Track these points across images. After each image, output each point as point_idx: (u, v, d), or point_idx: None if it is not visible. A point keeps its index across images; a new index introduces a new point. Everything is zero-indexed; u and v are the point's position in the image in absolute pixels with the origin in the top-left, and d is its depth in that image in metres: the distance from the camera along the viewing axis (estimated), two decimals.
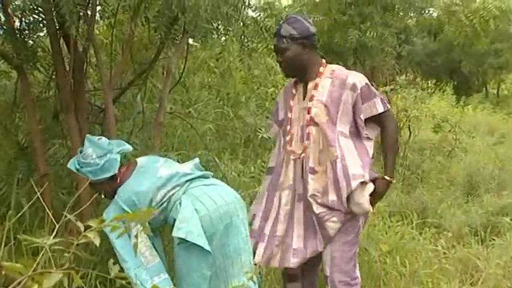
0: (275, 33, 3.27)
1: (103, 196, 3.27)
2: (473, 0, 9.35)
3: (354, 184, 3.05)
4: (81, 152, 3.14)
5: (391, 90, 7.96)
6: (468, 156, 8.36)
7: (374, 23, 7.64)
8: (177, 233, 2.95)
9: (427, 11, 10.37)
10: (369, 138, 3.18)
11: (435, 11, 10.92)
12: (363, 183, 3.08)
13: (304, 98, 3.24)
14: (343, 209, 3.10)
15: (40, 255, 1.42)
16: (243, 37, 4.27)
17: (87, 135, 3.22)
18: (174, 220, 3.07)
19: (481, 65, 16.06)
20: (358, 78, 3.15)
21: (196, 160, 3.44)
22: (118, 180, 3.17)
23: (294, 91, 3.32)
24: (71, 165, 3.14)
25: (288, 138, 3.27)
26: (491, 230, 5.28)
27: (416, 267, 4.26)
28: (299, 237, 3.22)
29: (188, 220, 2.99)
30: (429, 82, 8.43)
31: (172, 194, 3.13)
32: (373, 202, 3.15)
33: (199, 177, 3.27)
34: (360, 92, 3.11)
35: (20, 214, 3.21)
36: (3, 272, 1.37)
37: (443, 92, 13.06)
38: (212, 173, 3.46)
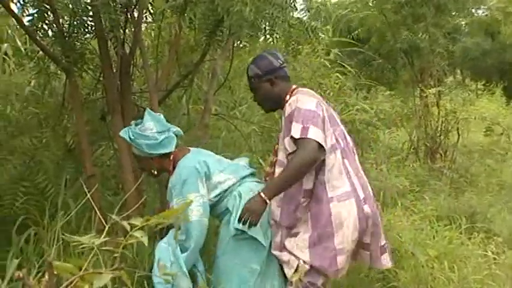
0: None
1: (144, 173, 3.43)
2: None
3: None
4: (136, 125, 3.21)
5: (439, 92, 7.82)
6: None
7: (426, 23, 7.56)
8: (238, 224, 2.96)
9: (479, 11, 10.22)
10: None
11: (488, 10, 10.73)
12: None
13: None
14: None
15: (90, 255, 1.42)
16: (288, 38, 4.24)
17: (148, 109, 3.33)
18: (226, 209, 3.12)
19: None
20: (290, 105, 3.04)
21: (246, 159, 3.51)
22: (171, 158, 3.22)
23: None
24: (124, 134, 3.21)
25: None
26: None
27: (465, 273, 4.16)
28: None
29: None
30: (478, 83, 8.21)
31: (233, 184, 3.17)
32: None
33: (251, 174, 3.35)
34: (286, 117, 3.04)
35: (69, 215, 3.26)
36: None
37: (492, 93, 12.76)
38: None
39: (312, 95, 3.18)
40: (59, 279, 1.44)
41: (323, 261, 2.95)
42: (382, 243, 3.16)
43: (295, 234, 3.04)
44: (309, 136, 2.87)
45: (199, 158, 3.19)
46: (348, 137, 3.24)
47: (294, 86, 3.24)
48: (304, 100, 3.03)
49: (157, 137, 3.15)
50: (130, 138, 3.18)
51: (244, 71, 6.04)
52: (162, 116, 3.27)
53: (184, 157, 3.20)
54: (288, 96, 3.16)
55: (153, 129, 3.16)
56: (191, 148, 3.38)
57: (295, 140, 2.93)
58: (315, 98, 3.12)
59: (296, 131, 2.90)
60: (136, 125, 3.22)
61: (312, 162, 2.90)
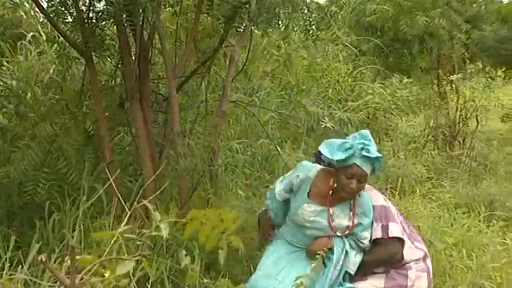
0: None
1: None
2: None
3: None
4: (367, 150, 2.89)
5: (459, 79, 7.75)
6: None
7: (444, 9, 7.54)
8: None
9: None
10: None
11: None
12: None
13: None
14: None
15: (112, 242, 1.43)
16: (307, 24, 4.22)
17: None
18: None
19: None
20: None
21: None
22: None
23: None
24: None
25: None
26: None
27: (484, 261, 4.13)
28: None
29: None
30: (497, 71, 8.14)
31: None
32: None
33: None
34: None
35: (92, 199, 3.28)
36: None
37: None
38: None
39: None
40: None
41: None
42: None
43: None
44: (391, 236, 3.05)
45: None
46: None
47: None
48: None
49: None
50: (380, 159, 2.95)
51: (263, 57, 5.98)
52: None
53: None
54: None
55: None
56: None
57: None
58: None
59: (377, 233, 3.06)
60: (367, 150, 2.88)
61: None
